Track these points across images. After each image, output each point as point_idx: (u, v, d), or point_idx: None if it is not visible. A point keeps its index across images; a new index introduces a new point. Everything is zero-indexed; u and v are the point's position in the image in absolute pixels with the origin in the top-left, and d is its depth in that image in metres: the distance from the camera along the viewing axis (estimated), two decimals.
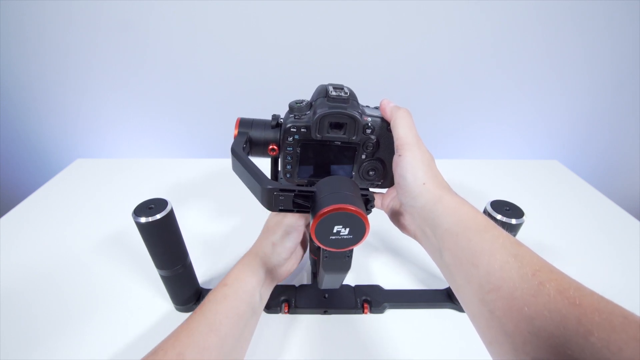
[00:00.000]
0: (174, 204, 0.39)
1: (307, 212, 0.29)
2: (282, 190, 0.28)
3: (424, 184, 0.29)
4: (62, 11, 0.84)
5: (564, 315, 0.18)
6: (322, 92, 0.33)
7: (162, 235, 0.38)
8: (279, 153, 0.35)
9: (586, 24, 0.86)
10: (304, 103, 0.33)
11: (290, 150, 0.34)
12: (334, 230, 0.27)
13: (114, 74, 0.95)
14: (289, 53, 0.90)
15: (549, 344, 0.18)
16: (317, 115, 0.31)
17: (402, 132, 0.30)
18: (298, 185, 0.35)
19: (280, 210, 0.29)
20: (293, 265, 0.43)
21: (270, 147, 0.34)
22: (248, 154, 0.35)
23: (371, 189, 0.38)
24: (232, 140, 0.35)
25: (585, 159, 1.13)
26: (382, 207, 0.37)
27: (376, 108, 0.35)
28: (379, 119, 0.34)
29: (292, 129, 0.33)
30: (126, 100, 1.00)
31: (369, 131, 0.33)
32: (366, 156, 0.35)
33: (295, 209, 0.29)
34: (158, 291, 0.49)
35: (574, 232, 0.63)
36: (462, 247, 0.24)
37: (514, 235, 0.38)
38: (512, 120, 1.05)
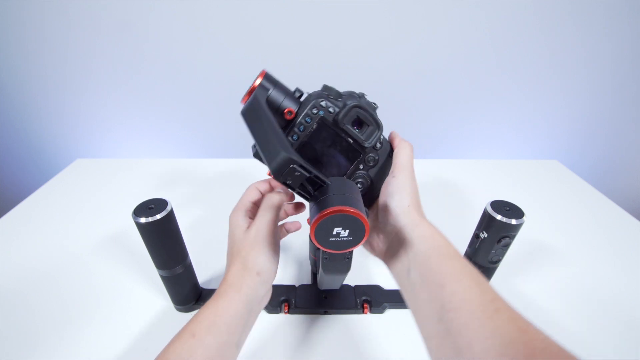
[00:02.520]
0: (174, 204, 0.39)
1: (306, 198, 0.28)
2: (301, 166, 0.26)
3: (408, 206, 0.31)
4: (62, 11, 0.84)
5: (513, 339, 0.20)
6: (351, 94, 0.34)
7: (162, 235, 0.38)
8: (293, 119, 0.33)
9: (586, 24, 0.86)
10: (334, 91, 0.33)
11: (308, 122, 0.33)
12: (334, 232, 0.26)
13: (114, 74, 0.95)
14: (288, 53, 0.90)
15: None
16: (351, 104, 0.32)
17: (402, 158, 0.33)
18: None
19: (285, 184, 0.27)
20: (270, 290, 0.36)
21: (287, 110, 0.32)
22: None
23: None
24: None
25: (585, 159, 1.13)
26: None
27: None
28: (388, 143, 0.35)
29: (322, 103, 0.32)
30: (126, 101, 1.00)
31: (379, 146, 0.34)
32: (363, 168, 0.35)
33: (297, 190, 0.28)
34: (158, 291, 0.49)
35: (574, 232, 0.63)
36: (432, 269, 0.27)
37: (514, 236, 0.38)
38: (512, 120, 1.05)
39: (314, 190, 0.28)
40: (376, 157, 0.35)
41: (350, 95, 0.34)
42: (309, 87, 0.36)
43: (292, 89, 0.34)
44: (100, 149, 1.12)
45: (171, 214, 0.38)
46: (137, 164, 0.84)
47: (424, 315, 0.26)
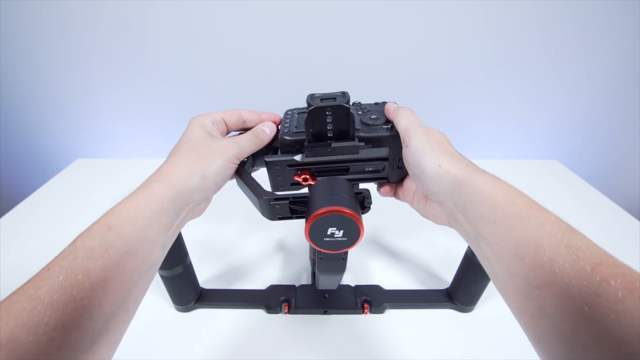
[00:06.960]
0: None
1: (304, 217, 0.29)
2: (276, 199, 0.28)
3: (439, 166, 0.26)
4: (62, 11, 0.84)
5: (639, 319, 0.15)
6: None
7: None
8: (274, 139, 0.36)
9: (586, 24, 0.86)
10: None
11: (288, 115, 0.37)
12: (328, 233, 0.26)
13: (114, 74, 0.95)
14: (289, 53, 0.90)
15: (620, 350, 0.15)
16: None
17: (403, 124, 0.30)
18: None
19: (280, 219, 0.29)
20: (208, 203, 0.34)
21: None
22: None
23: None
24: None
25: (585, 159, 1.12)
26: (411, 204, 0.34)
27: None
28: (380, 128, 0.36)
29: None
30: (126, 100, 1.00)
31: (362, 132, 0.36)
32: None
33: (294, 216, 0.29)
34: (158, 291, 0.49)
35: None
36: (502, 237, 0.21)
37: None
38: (512, 120, 1.05)
39: (304, 207, 0.29)
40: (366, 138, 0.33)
41: None
42: (309, 86, 0.36)
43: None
44: (100, 149, 1.12)
45: None
46: (137, 164, 0.84)
47: (506, 290, 0.22)
